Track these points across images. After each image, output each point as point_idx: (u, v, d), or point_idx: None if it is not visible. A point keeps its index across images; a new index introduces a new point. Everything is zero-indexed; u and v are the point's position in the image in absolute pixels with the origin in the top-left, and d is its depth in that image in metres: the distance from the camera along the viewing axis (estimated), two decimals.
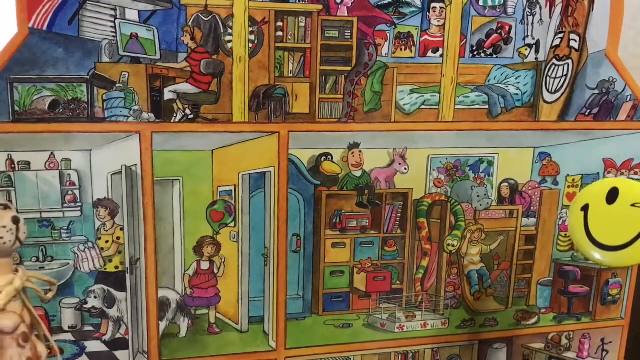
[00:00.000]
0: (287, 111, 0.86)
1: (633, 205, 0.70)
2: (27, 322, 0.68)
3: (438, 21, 0.89)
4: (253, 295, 0.92)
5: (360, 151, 0.91)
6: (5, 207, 0.65)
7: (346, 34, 0.86)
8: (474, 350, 1.04)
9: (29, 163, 0.81)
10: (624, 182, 0.72)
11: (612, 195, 0.71)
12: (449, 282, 1.00)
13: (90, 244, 0.85)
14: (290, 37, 0.85)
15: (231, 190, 0.88)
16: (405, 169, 0.93)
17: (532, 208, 1.00)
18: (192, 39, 0.81)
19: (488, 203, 0.98)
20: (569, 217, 0.76)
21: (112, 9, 0.78)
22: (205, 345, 0.92)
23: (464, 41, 0.91)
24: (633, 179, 1.02)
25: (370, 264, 0.96)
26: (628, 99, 0.98)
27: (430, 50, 0.90)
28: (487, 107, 0.94)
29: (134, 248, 0.86)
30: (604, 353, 1.09)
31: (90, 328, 0.87)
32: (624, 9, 0.93)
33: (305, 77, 0.87)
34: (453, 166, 0.96)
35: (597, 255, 0.72)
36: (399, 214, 0.96)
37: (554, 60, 0.94)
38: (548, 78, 0.95)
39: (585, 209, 0.73)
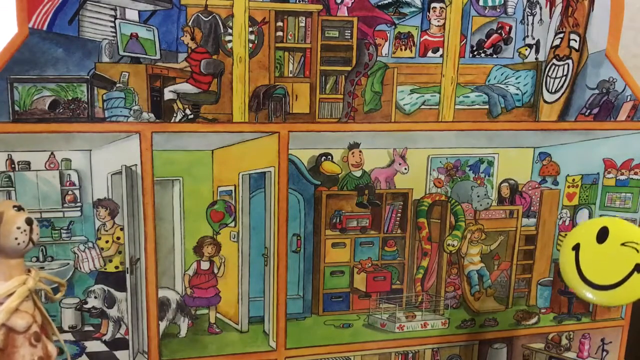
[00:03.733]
0: (287, 111, 0.86)
1: (623, 244, 0.71)
2: (39, 322, 0.69)
3: (438, 21, 0.89)
4: (253, 295, 0.92)
5: (360, 151, 0.91)
6: (19, 208, 0.66)
7: (346, 34, 0.86)
8: (474, 350, 1.04)
9: (29, 163, 0.81)
10: (613, 222, 0.74)
11: (603, 235, 0.72)
12: (449, 282, 1.00)
13: (90, 244, 0.85)
14: (290, 37, 0.85)
15: (231, 190, 0.88)
16: (405, 169, 0.93)
17: (532, 208, 1.00)
18: (192, 39, 0.81)
19: (488, 203, 0.98)
20: (560, 257, 0.77)
21: (112, 9, 0.78)
22: (205, 345, 0.92)
23: (464, 41, 0.91)
24: (633, 179, 1.02)
25: (370, 264, 0.96)
26: (628, 99, 0.98)
27: (430, 50, 0.90)
28: (487, 107, 0.94)
29: (134, 248, 0.86)
30: (604, 353, 1.09)
31: (90, 328, 0.87)
32: (624, 9, 0.93)
33: (305, 77, 0.87)
34: (453, 166, 0.96)
35: (588, 294, 0.73)
36: (399, 214, 0.96)
37: (554, 60, 0.94)
38: (548, 78, 0.95)
39: (576, 248, 0.74)
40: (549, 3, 0.92)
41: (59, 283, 0.74)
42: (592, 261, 0.73)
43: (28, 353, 0.68)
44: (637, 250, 0.71)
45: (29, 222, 0.65)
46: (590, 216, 1.03)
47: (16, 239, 0.64)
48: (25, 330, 0.67)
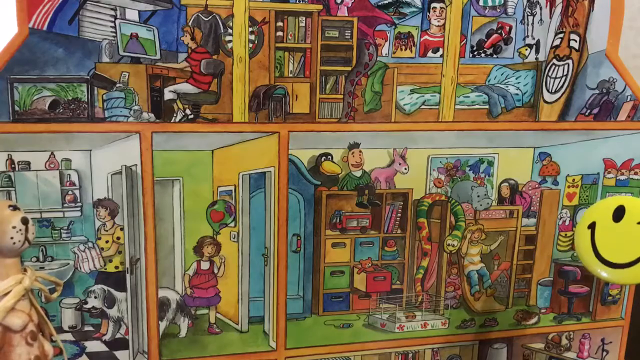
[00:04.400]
0: (287, 111, 0.86)
1: (639, 223, 0.70)
2: (35, 321, 0.69)
3: (438, 21, 0.89)
4: (253, 295, 0.92)
5: (360, 151, 0.91)
6: (15, 207, 0.66)
7: (346, 34, 0.86)
8: (474, 350, 1.04)
9: (29, 163, 0.81)
10: (630, 200, 0.73)
11: (619, 213, 0.71)
12: (449, 282, 1.00)
13: (90, 244, 0.85)
14: (290, 37, 0.85)
15: (231, 190, 0.88)
16: (405, 169, 0.93)
17: (532, 208, 1.00)
18: (192, 39, 0.81)
19: (488, 203, 0.98)
20: (576, 235, 0.76)
21: (112, 9, 0.78)
22: (205, 345, 0.92)
23: (464, 41, 0.91)
24: (633, 179, 1.02)
25: (370, 264, 0.96)
26: (628, 99, 0.98)
27: (430, 50, 0.90)
28: (487, 107, 0.94)
29: (134, 248, 0.86)
30: (604, 353, 1.09)
31: (90, 328, 0.87)
32: (624, 9, 0.93)
33: (305, 77, 0.87)
34: (453, 166, 0.96)
35: (603, 272, 0.73)
36: (399, 214, 0.96)
37: (554, 60, 0.94)
38: (548, 78, 0.95)
39: (592, 226, 0.73)
40: (549, 3, 0.92)
41: (55, 282, 0.74)
42: (608, 240, 0.73)
43: (24, 352, 0.68)
44: None
45: (24, 221, 0.66)
46: None
47: (12, 238, 0.65)
48: (21, 329, 0.67)
